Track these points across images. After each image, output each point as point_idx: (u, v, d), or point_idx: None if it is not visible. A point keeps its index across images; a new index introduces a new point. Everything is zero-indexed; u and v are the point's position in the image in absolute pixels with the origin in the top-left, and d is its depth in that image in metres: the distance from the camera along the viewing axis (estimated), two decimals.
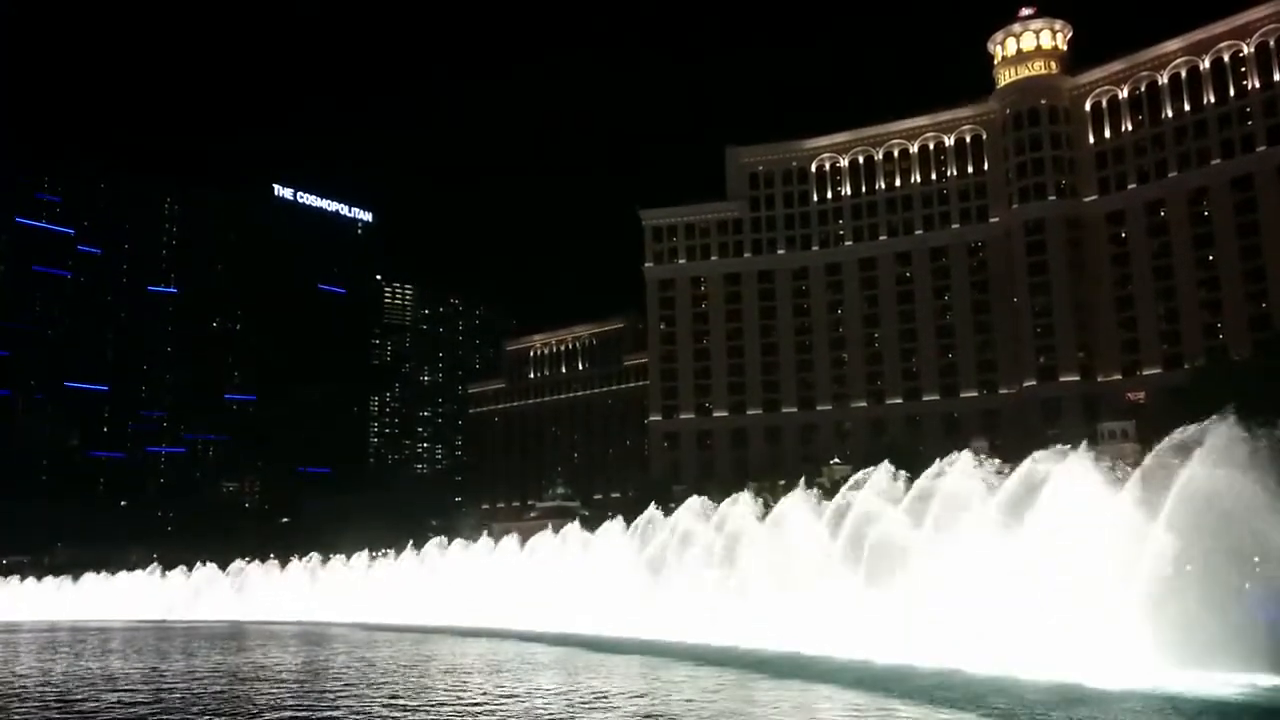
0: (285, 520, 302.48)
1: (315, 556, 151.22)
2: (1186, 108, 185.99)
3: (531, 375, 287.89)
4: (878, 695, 37.38)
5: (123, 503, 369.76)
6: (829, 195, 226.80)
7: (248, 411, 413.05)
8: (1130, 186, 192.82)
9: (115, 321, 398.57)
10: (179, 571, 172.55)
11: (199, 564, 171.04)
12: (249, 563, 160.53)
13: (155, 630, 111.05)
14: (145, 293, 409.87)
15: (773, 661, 50.07)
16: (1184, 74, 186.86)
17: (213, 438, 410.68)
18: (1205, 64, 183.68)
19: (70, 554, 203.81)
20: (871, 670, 44.81)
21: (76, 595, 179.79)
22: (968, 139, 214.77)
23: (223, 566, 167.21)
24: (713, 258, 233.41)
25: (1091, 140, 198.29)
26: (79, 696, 41.71)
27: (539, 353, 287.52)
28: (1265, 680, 37.36)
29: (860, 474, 64.40)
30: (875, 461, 63.45)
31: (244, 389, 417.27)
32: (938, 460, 57.44)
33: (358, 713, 34.76)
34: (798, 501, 70.79)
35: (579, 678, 46.60)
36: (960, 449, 56.97)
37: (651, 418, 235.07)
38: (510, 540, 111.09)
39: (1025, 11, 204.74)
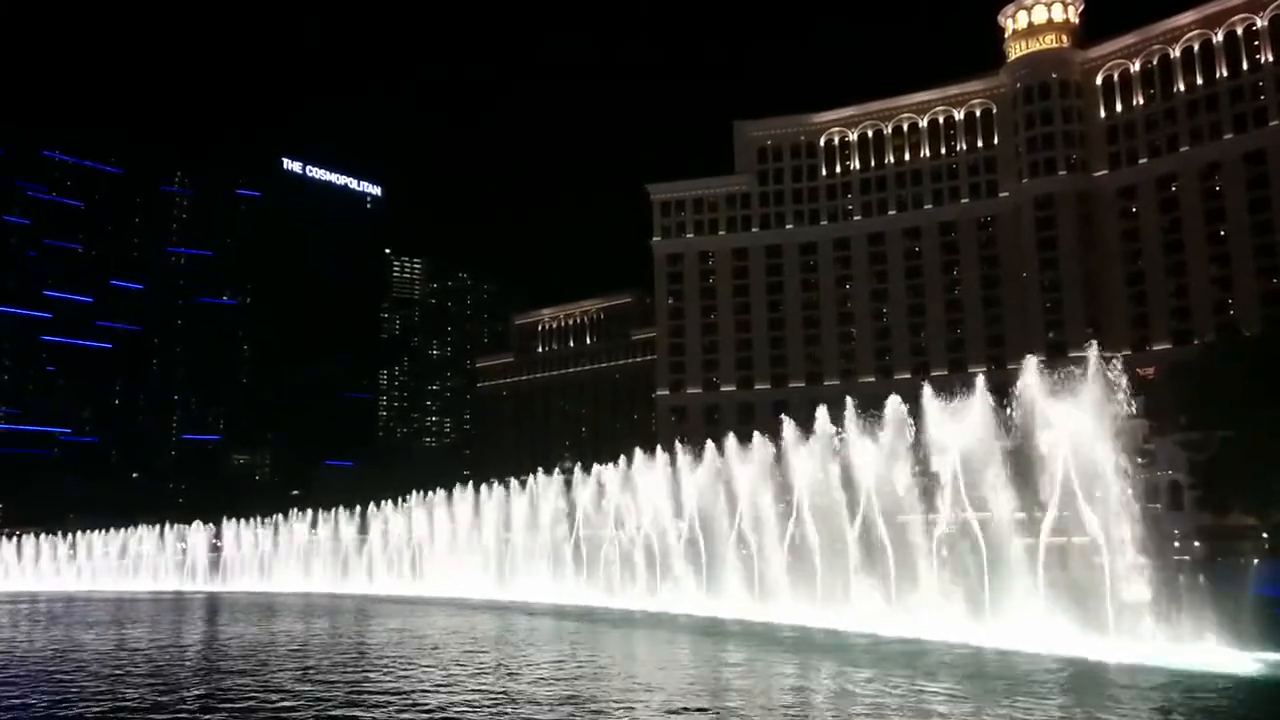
0: (295, 492, 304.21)
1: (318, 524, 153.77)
2: (1199, 81, 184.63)
3: (540, 349, 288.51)
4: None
5: (134, 475, 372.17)
6: (837, 170, 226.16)
7: (258, 384, 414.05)
8: (1141, 161, 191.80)
9: (126, 295, 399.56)
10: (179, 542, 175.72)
11: (196, 528, 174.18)
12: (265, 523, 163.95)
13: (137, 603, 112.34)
14: (156, 266, 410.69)
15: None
16: (1196, 47, 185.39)
17: (223, 410, 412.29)
18: (1218, 37, 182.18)
19: (82, 525, 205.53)
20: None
21: (91, 566, 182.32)
22: (978, 113, 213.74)
23: (235, 538, 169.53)
24: (721, 232, 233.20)
25: (1102, 114, 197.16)
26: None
27: (547, 327, 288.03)
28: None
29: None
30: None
31: (254, 362, 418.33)
32: None
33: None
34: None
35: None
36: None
37: (659, 392, 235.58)
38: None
39: None
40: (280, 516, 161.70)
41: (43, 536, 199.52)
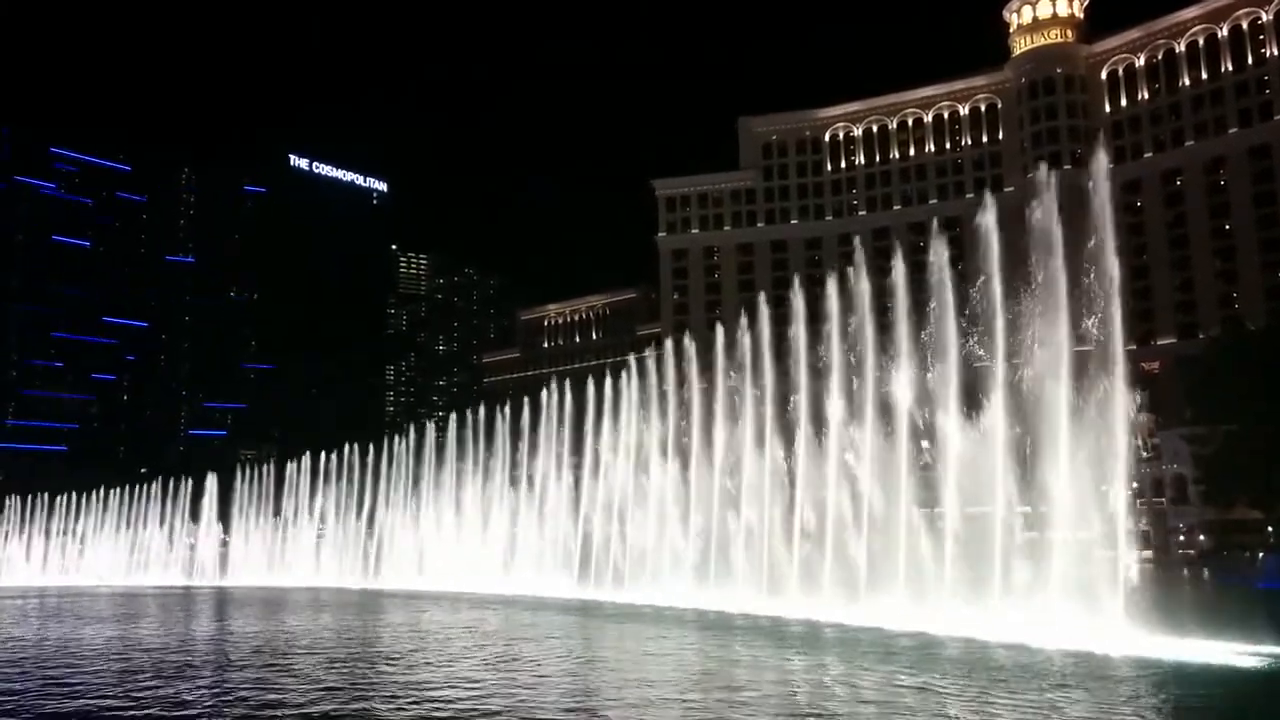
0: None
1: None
2: (1204, 76, 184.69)
3: (545, 345, 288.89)
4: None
5: (142, 470, 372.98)
6: (842, 165, 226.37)
7: (265, 380, 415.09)
8: (1146, 155, 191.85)
9: (133, 291, 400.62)
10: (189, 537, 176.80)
11: (203, 523, 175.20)
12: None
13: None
14: (163, 263, 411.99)
15: None
16: (1201, 42, 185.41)
17: (230, 406, 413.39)
18: (1223, 31, 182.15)
19: (89, 520, 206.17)
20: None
21: (98, 561, 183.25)
22: (983, 108, 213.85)
23: (242, 533, 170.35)
24: (725, 228, 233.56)
25: (1108, 109, 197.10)
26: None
27: (553, 322, 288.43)
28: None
29: None
30: None
31: (261, 358, 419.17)
32: None
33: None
34: None
35: None
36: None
37: (665, 387, 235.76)
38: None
39: None
40: (288, 511, 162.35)
41: (51, 531, 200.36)
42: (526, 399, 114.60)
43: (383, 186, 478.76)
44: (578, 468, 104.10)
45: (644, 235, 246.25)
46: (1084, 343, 49.34)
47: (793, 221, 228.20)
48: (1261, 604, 65.20)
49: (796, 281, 74.65)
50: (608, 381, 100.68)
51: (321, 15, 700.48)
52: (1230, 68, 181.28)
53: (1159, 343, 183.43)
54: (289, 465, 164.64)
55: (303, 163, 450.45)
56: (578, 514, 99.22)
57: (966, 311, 54.44)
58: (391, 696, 31.06)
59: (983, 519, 52.39)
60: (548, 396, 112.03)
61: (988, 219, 55.69)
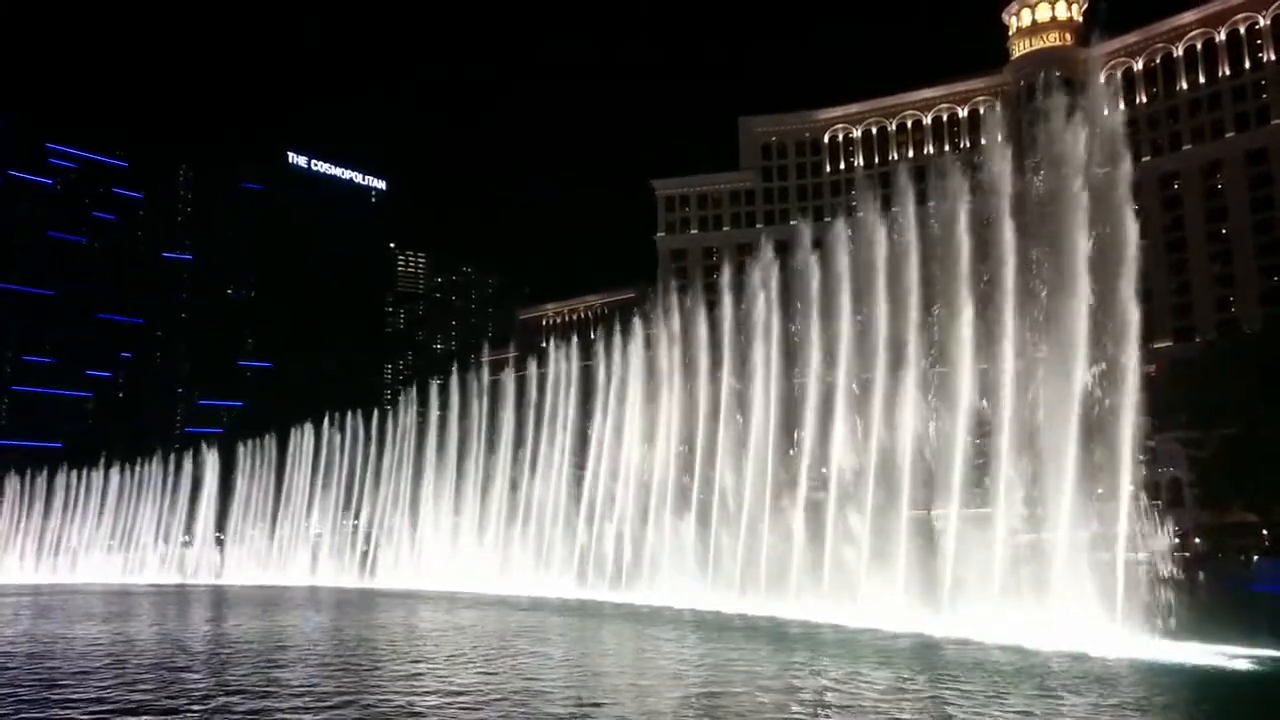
0: None
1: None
2: (1201, 80, 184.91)
3: (544, 344, 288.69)
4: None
5: (139, 468, 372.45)
6: (842, 166, 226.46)
7: (262, 379, 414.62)
8: (1144, 159, 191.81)
9: (130, 289, 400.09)
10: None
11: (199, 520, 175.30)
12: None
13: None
14: (160, 260, 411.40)
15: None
16: (1199, 46, 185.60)
17: (227, 405, 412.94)
18: (1220, 36, 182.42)
19: (84, 518, 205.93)
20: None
21: (93, 559, 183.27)
22: (982, 110, 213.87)
23: (238, 531, 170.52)
24: (725, 228, 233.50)
25: (1105, 112, 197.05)
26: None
27: (551, 322, 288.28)
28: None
29: None
30: None
31: (258, 356, 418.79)
32: None
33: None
34: None
35: None
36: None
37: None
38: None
39: None
40: (284, 509, 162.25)
41: (45, 530, 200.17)
42: (532, 389, 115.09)
43: (382, 185, 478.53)
44: (579, 467, 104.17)
45: (643, 235, 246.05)
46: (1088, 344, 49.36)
47: (792, 222, 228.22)
48: (1256, 607, 65.46)
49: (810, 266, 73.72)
50: (604, 378, 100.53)
51: (321, 14, 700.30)
52: (1227, 72, 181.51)
53: (1156, 346, 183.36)
54: (291, 435, 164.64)
55: (301, 160, 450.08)
56: (576, 514, 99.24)
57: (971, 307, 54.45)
58: (378, 697, 31.09)
59: (981, 520, 52.55)
60: (551, 391, 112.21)
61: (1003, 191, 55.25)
